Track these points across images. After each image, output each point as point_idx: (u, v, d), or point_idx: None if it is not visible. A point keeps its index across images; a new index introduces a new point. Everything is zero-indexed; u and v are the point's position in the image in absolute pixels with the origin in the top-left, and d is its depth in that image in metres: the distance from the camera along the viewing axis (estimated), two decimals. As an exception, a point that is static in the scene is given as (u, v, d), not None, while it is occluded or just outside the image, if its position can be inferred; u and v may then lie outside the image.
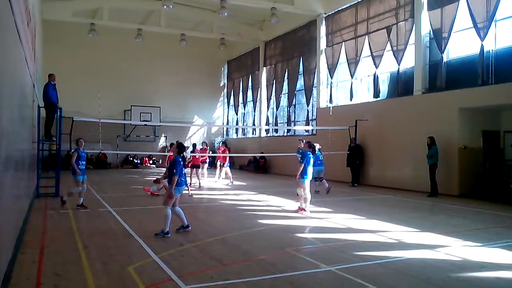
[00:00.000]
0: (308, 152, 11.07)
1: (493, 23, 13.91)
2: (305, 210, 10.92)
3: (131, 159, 29.80)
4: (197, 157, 17.00)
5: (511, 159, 14.69)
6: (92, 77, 28.38)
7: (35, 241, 7.52)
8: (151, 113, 28.98)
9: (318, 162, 14.35)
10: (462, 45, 15.40)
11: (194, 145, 18.54)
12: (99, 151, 24.91)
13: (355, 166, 18.18)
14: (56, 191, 13.32)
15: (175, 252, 6.91)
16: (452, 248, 7.35)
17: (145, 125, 28.31)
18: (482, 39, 14.01)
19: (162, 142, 31.44)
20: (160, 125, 29.52)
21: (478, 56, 14.22)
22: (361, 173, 18.73)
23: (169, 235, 8.01)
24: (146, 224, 9.36)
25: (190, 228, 8.49)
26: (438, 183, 14.61)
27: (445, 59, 15.55)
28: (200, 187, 16.81)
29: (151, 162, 30.58)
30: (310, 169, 11.04)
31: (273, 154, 23.61)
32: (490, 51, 14.16)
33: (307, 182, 10.95)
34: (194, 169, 17.09)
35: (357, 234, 8.56)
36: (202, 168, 18.11)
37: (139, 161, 29.96)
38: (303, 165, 10.88)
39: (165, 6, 21.74)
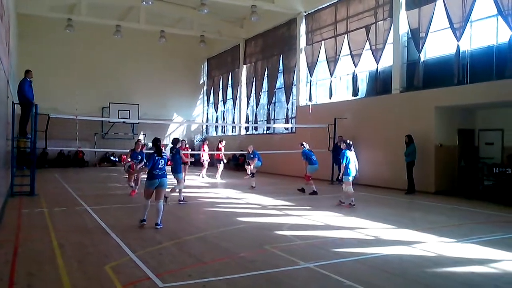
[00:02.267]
0: (346, 151, 11.66)
1: (468, 24, 14.18)
2: (349, 204, 11.58)
3: (109, 157, 29.41)
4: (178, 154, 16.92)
5: (485, 157, 15.01)
6: (69, 73, 27.87)
7: (8, 241, 7.35)
8: (129, 111, 28.61)
9: (314, 159, 14.48)
10: (438, 45, 15.66)
11: (182, 141, 18.32)
12: (76, 149, 24.50)
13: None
14: (31, 189, 13.03)
15: (153, 250, 6.85)
16: (428, 244, 7.48)
17: (124, 122, 27.90)
18: (458, 39, 14.28)
19: (141, 139, 31.00)
20: (139, 123, 29.17)
21: (454, 56, 14.47)
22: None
23: (145, 222, 8.66)
24: (123, 222, 9.26)
25: (145, 223, 8.72)
26: (415, 181, 14.84)
27: (422, 59, 15.79)
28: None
29: (129, 159, 30.17)
30: (351, 166, 11.60)
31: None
32: (466, 51, 14.44)
33: (350, 178, 11.58)
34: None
35: (335, 231, 8.63)
36: None
37: (117, 159, 29.54)
38: (344, 164, 11.54)
39: (144, 2, 21.52)
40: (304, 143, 14.70)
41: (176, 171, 11.89)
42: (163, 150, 9.27)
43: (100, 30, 27.39)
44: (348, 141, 12.04)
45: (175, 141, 12.38)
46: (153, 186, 8.67)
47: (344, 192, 11.73)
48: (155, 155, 8.69)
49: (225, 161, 20.15)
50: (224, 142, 20.57)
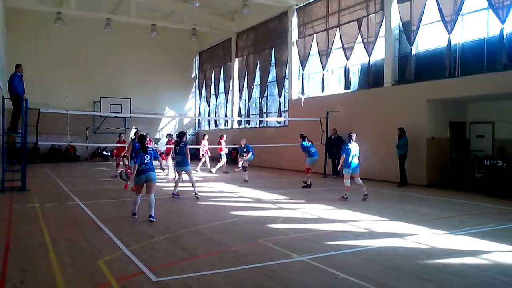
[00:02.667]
0: (347, 143, 11.72)
1: (460, 17, 14.22)
2: (342, 197, 11.66)
3: (101, 151, 29.22)
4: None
5: (476, 149, 15.13)
6: (60, 67, 27.60)
7: (0, 236, 7.29)
8: (121, 105, 28.38)
9: (313, 151, 14.46)
10: (430, 38, 15.71)
11: (170, 135, 18.39)
12: (68, 144, 24.31)
13: (334, 158, 18.26)
14: (23, 184, 12.92)
15: (146, 244, 6.83)
16: (420, 236, 7.54)
17: (115, 116, 27.67)
18: (449, 32, 14.32)
19: (132, 134, 30.88)
20: (130, 117, 29.01)
21: (445, 49, 14.54)
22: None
23: (136, 216, 8.94)
24: (116, 217, 9.23)
25: (136, 216, 8.99)
26: (407, 173, 14.92)
27: (414, 52, 15.83)
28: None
29: (122, 154, 30.01)
30: (351, 160, 11.59)
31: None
32: (457, 44, 14.50)
33: (347, 170, 11.60)
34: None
35: (328, 224, 8.67)
36: (167, 160, 17.95)
37: (109, 154, 29.37)
38: (344, 156, 11.57)
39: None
40: (304, 134, 14.70)
41: (184, 164, 11.80)
42: (151, 145, 9.53)
43: (90, 24, 27.13)
44: (350, 134, 11.92)
45: (182, 134, 12.29)
46: (140, 182, 8.90)
47: (355, 185, 11.70)
48: (141, 151, 8.92)
49: (224, 157, 19.98)
50: (225, 137, 20.53)
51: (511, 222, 8.98)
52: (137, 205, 9.06)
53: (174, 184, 12.26)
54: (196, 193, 11.80)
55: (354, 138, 11.77)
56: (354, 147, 11.66)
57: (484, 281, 5.33)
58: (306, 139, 14.47)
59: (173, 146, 12.96)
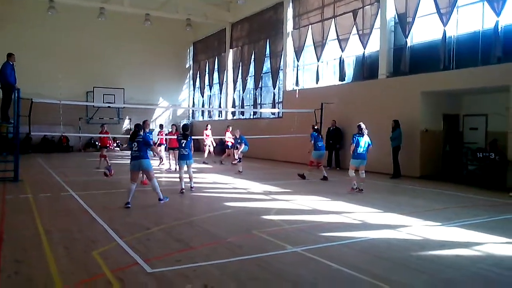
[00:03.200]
0: (355, 135, 11.51)
1: (455, 9, 14.22)
2: (352, 188, 11.56)
3: (94, 142, 29.06)
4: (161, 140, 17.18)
5: (470, 142, 15.21)
6: (52, 57, 27.36)
7: (-7, 227, 7.26)
8: (114, 95, 28.25)
9: (320, 145, 14.13)
10: (425, 30, 15.70)
11: (161, 126, 18.36)
12: (60, 134, 24.15)
13: (335, 150, 18.30)
14: (15, 175, 12.84)
15: (141, 236, 6.82)
16: (414, 228, 7.58)
17: (109, 107, 27.57)
18: (444, 24, 14.32)
19: (126, 124, 30.81)
20: (124, 107, 28.87)
21: (440, 41, 14.55)
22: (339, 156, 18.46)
23: (129, 205, 9.05)
24: (109, 208, 9.20)
25: (129, 206, 9.08)
26: (401, 165, 14.99)
27: (409, 44, 15.83)
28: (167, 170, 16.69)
29: (115, 145, 29.93)
30: (360, 151, 11.44)
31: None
32: (452, 37, 14.51)
33: (354, 162, 11.51)
34: (171, 151, 16.89)
35: (322, 215, 8.69)
36: (160, 150, 17.83)
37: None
38: (353, 146, 11.38)
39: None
40: (315, 126, 14.70)
41: (189, 158, 11.39)
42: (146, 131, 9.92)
43: (83, 13, 26.87)
44: (359, 125, 11.68)
45: (187, 127, 11.71)
46: (133, 168, 9.35)
47: (358, 177, 11.63)
48: (130, 139, 9.51)
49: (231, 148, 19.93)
50: (231, 128, 20.23)
51: (504, 214, 9.05)
52: (130, 194, 9.23)
53: (169, 176, 12.16)
54: (191, 187, 11.73)
55: (365, 131, 11.55)
56: (364, 139, 11.45)
57: (477, 272, 5.38)
58: (316, 131, 14.31)
59: (177, 138, 12.62)
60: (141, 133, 9.49)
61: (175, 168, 15.76)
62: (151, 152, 10.90)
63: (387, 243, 6.60)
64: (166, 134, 18.25)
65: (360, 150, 11.41)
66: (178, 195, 10.98)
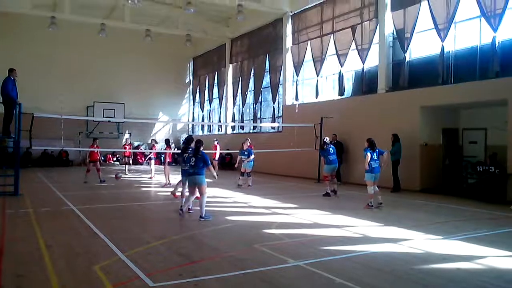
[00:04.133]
0: (367, 149, 11.29)
1: (453, 25, 14.39)
2: (367, 205, 11.24)
3: (94, 156, 29.01)
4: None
5: (469, 155, 15.25)
6: (53, 72, 27.50)
7: (-6, 241, 7.25)
8: (114, 110, 28.30)
9: (331, 159, 13.66)
10: (423, 45, 15.87)
11: (167, 141, 18.06)
12: (61, 149, 24.14)
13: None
14: (15, 189, 12.82)
15: (142, 250, 6.81)
16: (415, 241, 7.58)
17: (109, 121, 27.63)
18: (442, 40, 14.49)
19: (126, 138, 30.80)
20: (124, 122, 28.94)
21: (438, 56, 14.70)
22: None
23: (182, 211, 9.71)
24: (111, 222, 9.19)
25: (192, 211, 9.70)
26: (401, 179, 15.01)
27: (407, 59, 15.98)
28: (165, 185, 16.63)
29: (114, 159, 29.94)
30: (375, 166, 11.23)
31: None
32: (450, 52, 14.66)
33: (369, 176, 11.24)
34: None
35: (323, 229, 8.69)
36: (150, 164, 17.97)
37: (102, 158, 29.20)
38: (368, 159, 11.10)
39: (129, 1, 21.28)
40: (326, 139, 14.15)
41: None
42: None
43: (84, 29, 27.06)
44: (370, 140, 11.47)
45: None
46: (190, 184, 9.80)
47: (377, 192, 11.37)
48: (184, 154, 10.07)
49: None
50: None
51: (505, 227, 9.05)
52: (187, 203, 9.87)
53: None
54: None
55: (374, 144, 11.35)
56: (375, 152, 11.28)
57: (479, 285, 5.37)
58: (326, 144, 13.82)
59: (181, 152, 12.11)
60: (201, 149, 9.62)
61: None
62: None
63: (389, 257, 6.59)
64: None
65: (374, 164, 11.23)
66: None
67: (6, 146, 16.53)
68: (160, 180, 18.04)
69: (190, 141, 10.54)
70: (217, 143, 21.00)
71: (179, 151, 12.66)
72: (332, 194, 13.54)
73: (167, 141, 17.99)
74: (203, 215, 9.33)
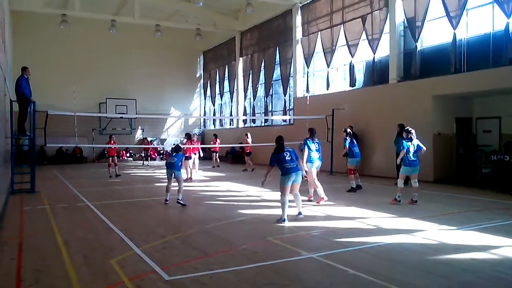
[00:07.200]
0: (404, 141, 10.53)
1: (464, 12, 14.19)
2: (394, 199, 10.66)
3: (107, 152, 29.29)
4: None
5: (483, 144, 15.11)
6: (65, 69, 27.73)
7: (12, 238, 7.40)
8: (126, 106, 28.55)
9: (356, 151, 12.90)
10: (435, 33, 15.69)
11: (189, 135, 17.94)
12: (75, 146, 24.45)
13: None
14: (32, 186, 13.04)
15: (157, 244, 6.90)
16: (429, 232, 7.57)
17: (121, 117, 27.91)
18: (454, 27, 14.30)
19: (139, 134, 31.11)
20: (136, 118, 29.16)
21: (450, 44, 14.52)
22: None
23: (285, 221, 8.39)
24: (126, 217, 9.31)
25: (301, 215, 8.87)
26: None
27: (419, 48, 15.82)
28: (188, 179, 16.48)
29: (128, 155, 30.20)
30: (412, 158, 10.42)
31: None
32: (462, 40, 14.48)
33: (404, 171, 10.61)
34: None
35: (336, 221, 8.71)
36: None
37: (116, 154, 29.48)
38: (404, 151, 10.35)
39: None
40: (348, 130, 13.14)
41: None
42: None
43: (95, 25, 27.26)
44: (407, 129, 10.63)
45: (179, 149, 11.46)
46: (293, 181, 8.72)
47: (415, 188, 10.67)
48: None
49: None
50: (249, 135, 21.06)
51: (520, 217, 8.98)
52: (285, 208, 8.53)
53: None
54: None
55: (414, 134, 10.48)
56: (413, 144, 10.42)
57: (494, 275, 5.36)
58: (348, 136, 12.86)
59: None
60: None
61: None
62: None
63: (402, 248, 6.59)
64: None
65: (411, 156, 10.45)
66: (193, 203, 11.05)
67: (21, 144, 16.80)
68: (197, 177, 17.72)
69: (178, 150, 11.20)
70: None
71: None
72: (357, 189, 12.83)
73: (188, 136, 17.93)
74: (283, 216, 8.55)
